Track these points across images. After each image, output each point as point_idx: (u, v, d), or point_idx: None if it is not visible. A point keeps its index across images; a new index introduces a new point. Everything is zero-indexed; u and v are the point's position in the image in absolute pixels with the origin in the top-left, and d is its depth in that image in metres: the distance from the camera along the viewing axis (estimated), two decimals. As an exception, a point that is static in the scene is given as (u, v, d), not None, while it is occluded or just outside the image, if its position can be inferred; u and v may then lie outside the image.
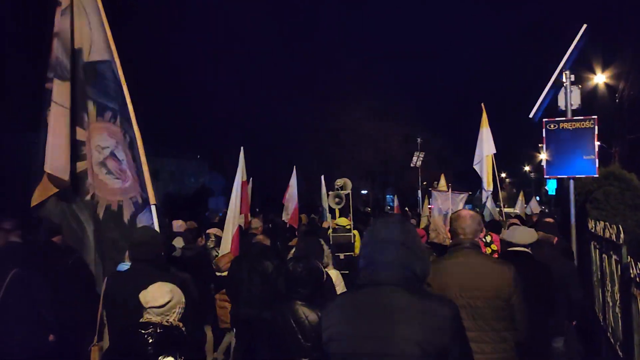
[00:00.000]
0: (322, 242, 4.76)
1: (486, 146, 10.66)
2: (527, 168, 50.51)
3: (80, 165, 4.62)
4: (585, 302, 5.55)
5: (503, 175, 48.68)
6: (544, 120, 6.89)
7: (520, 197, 14.53)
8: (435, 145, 39.00)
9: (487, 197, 11.46)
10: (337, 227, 8.18)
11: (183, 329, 3.03)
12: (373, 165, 39.80)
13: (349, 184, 10.33)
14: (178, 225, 7.43)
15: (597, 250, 5.54)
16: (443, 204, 11.76)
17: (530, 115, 6.95)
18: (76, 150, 4.59)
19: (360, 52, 39.21)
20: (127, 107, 4.39)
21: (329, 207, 10.61)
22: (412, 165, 36.58)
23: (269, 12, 31.81)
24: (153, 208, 4.26)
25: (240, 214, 7.17)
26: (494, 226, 7.81)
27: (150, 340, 2.84)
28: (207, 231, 6.35)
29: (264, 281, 5.32)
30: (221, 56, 27.66)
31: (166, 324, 2.94)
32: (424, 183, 33.92)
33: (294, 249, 5.34)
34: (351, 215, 10.02)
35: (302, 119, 32.76)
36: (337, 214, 9.84)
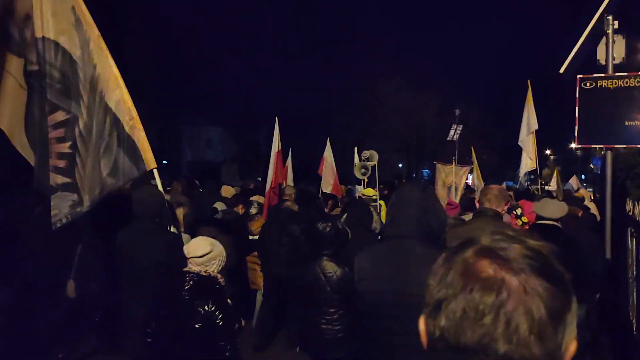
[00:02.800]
0: (372, 210, 5.29)
1: (531, 123, 10.79)
2: (573, 145, 49.47)
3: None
4: (607, 277, 5.46)
5: (547, 152, 47.95)
6: (578, 77, 5.79)
7: (555, 174, 14.53)
8: (474, 118, 38.57)
9: (528, 175, 11.72)
10: (363, 197, 8.59)
11: (221, 280, 3.42)
12: (408, 137, 39.72)
13: (375, 155, 10.83)
14: (225, 190, 8.31)
15: (634, 239, 4.77)
16: (447, 177, 12.11)
17: (561, 71, 5.91)
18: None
19: (397, 21, 38.62)
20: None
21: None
22: (448, 139, 36.44)
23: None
24: (155, 171, 4.48)
25: (276, 182, 7.74)
26: (526, 195, 8.04)
27: (187, 287, 3.23)
28: (250, 198, 6.94)
29: (291, 243, 5.89)
30: (251, 25, 27.77)
31: (204, 274, 3.33)
32: (466, 159, 33.80)
33: (345, 215, 5.94)
34: (378, 186, 10.50)
35: (335, 90, 32.82)
36: (365, 185, 10.38)
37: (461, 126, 36.72)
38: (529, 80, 10.96)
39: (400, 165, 41.26)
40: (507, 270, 0.84)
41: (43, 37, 4.15)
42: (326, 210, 8.31)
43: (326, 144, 11.54)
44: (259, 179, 15.16)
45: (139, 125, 4.31)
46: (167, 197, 5.22)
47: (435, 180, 12.44)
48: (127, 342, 4.09)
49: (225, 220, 6.41)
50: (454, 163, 12.37)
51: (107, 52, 4.29)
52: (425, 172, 41.68)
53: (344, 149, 14.31)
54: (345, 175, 14.21)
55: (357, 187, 11.69)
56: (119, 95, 4.27)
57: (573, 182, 17.24)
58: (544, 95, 11.48)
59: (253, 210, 6.59)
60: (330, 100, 32.85)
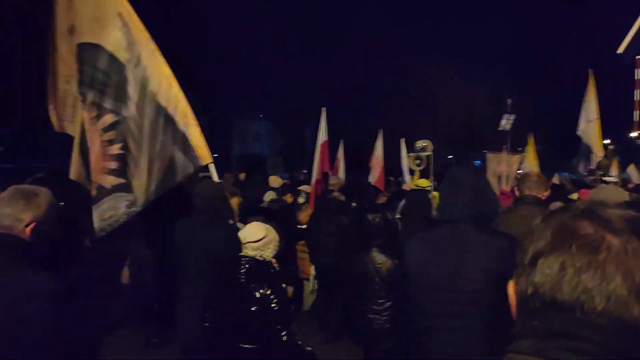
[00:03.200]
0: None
1: (592, 112, 10.51)
2: (633, 134, 47.68)
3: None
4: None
5: (607, 141, 46.23)
6: (637, 57, 5.58)
7: (614, 164, 14.04)
8: (527, 108, 37.57)
9: (579, 165, 11.36)
10: (417, 188, 8.53)
11: (276, 265, 3.53)
12: (457, 128, 39.11)
13: (431, 145, 10.75)
14: (272, 180, 8.49)
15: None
16: (498, 165, 11.87)
17: (619, 51, 5.86)
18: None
19: (446, 9, 37.86)
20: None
21: (409, 168, 11.06)
22: (500, 128, 35.62)
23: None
24: (211, 166, 4.47)
25: (321, 172, 7.86)
26: (584, 185, 7.88)
27: (243, 271, 3.37)
28: (299, 188, 7.10)
29: (339, 233, 5.97)
30: (299, 21, 27.96)
31: (259, 258, 3.45)
32: (518, 149, 32.93)
33: (402, 203, 6.07)
34: (432, 176, 10.38)
35: (384, 82, 32.66)
36: (418, 175, 10.27)
37: (513, 116, 35.78)
38: (590, 70, 10.64)
39: (450, 156, 40.64)
40: (608, 230, 0.85)
41: (86, 43, 4.32)
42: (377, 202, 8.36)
43: (377, 135, 11.52)
44: (305, 171, 15.35)
45: (193, 122, 4.34)
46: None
47: (486, 170, 12.25)
48: (184, 329, 4.26)
49: (273, 209, 6.57)
50: (504, 152, 12.15)
51: (158, 52, 4.37)
52: (477, 162, 40.84)
53: (391, 140, 14.26)
54: (394, 166, 14.15)
55: (407, 177, 11.64)
56: (171, 94, 4.33)
57: (632, 171, 16.59)
58: (601, 82, 11.12)
59: (301, 200, 6.73)
60: (378, 91, 32.75)
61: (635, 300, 0.80)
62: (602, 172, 12.94)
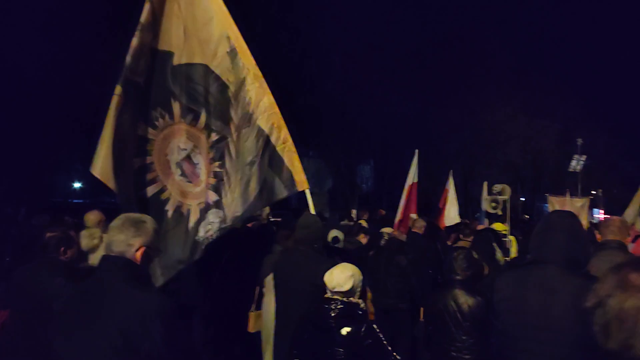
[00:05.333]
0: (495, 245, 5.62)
1: None
2: None
3: (138, 161, 4.66)
4: None
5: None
6: None
7: None
8: (599, 148, 36.56)
9: None
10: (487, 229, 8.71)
11: (362, 306, 3.68)
12: (523, 168, 38.36)
13: (508, 189, 11.06)
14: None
15: None
16: (561, 209, 11.76)
17: None
18: (139, 146, 4.68)
19: (512, 41, 37.67)
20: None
21: (486, 211, 11.31)
22: (570, 170, 34.81)
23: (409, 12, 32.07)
24: (307, 192, 4.84)
25: (410, 213, 8.17)
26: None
27: (333, 315, 3.55)
28: (381, 230, 7.32)
29: (399, 274, 6.20)
30: (364, 57, 28.63)
31: (346, 301, 3.62)
32: (592, 193, 31.98)
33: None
34: (508, 221, 10.59)
35: (445, 117, 32.62)
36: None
37: (584, 156, 34.93)
38: None
39: (522, 198, 39.66)
40: None
41: (195, 64, 4.70)
42: (449, 243, 8.57)
43: (449, 176, 11.77)
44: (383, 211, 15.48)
45: (292, 149, 4.70)
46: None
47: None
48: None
49: (346, 250, 6.79)
50: (568, 195, 12.12)
51: (262, 79, 4.71)
52: (546, 206, 39.78)
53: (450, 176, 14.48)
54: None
55: (486, 220, 11.85)
56: (272, 119, 4.67)
57: None
58: None
59: (383, 243, 6.89)
60: (439, 128, 32.66)
61: None
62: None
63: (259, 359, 5.57)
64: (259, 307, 5.64)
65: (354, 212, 16.35)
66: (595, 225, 12.95)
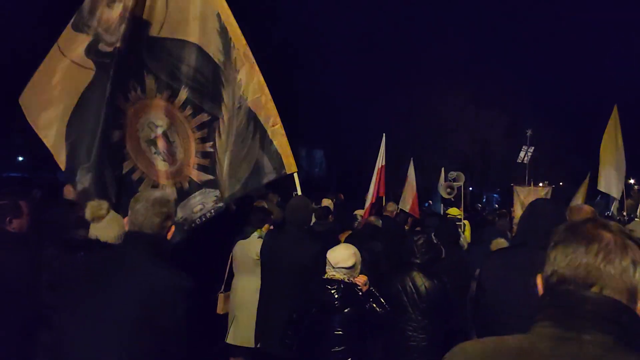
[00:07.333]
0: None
1: (613, 150, 10.86)
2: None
3: (116, 134, 4.65)
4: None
5: (631, 181, 46.76)
6: None
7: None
8: (548, 140, 38.12)
9: (613, 204, 12.23)
10: (448, 215, 9.32)
11: (359, 287, 3.91)
12: (471, 158, 39.67)
13: (462, 176, 11.81)
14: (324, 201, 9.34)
15: None
16: (526, 198, 12.64)
17: None
18: (116, 118, 4.64)
19: (463, 34, 38.60)
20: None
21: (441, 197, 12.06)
22: (519, 161, 36.27)
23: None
24: (295, 175, 4.98)
25: (379, 196, 8.58)
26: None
27: (337, 295, 3.75)
28: (354, 212, 7.67)
29: (371, 259, 6.59)
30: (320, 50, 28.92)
31: (348, 281, 3.86)
32: (540, 185, 33.34)
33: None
34: (463, 206, 11.29)
35: (395, 103, 33.37)
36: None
37: (532, 148, 36.48)
38: (615, 105, 10.93)
39: (470, 188, 41.08)
40: (604, 229, 1.36)
41: (177, 39, 4.70)
42: (406, 228, 9.05)
43: (409, 163, 12.30)
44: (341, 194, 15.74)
45: (282, 131, 4.81)
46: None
47: (513, 203, 13.02)
48: (262, 342, 4.75)
49: (316, 232, 7.08)
50: (532, 184, 12.99)
51: (253, 60, 4.77)
52: (495, 196, 41.39)
53: (398, 163, 14.98)
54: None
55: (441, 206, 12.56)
56: (262, 101, 4.76)
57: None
58: (625, 120, 11.46)
59: (358, 226, 7.25)
60: (389, 115, 33.34)
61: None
62: (625, 213, 13.65)
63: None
64: (227, 288, 5.91)
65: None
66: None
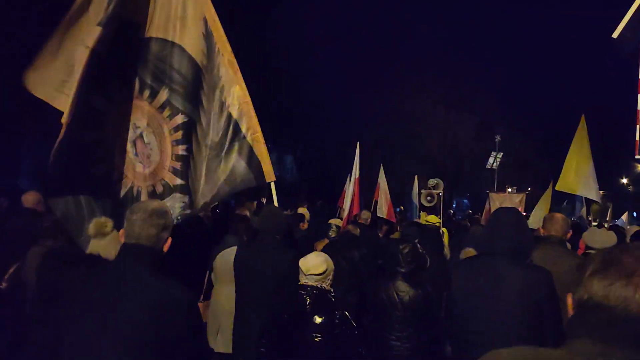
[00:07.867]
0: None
1: (581, 158, 11.12)
2: (624, 180, 50.21)
3: (89, 135, 4.42)
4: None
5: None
6: None
7: (610, 211, 15.34)
8: (516, 146, 38.84)
9: (581, 210, 12.74)
10: (427, 223, 9.45)
11: (333, 293, 3.96)
12: (441, 163, 40.17)
13: (441, 184, 12.08)
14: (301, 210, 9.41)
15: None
16: (502, 204, 12.98)
17: (614, 36, 4.86)
18: (93, 118, 4.43)
19: (434, 39, 39.04)
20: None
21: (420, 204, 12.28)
22: (487, 166, 36.93)
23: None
24: (272, 184, 4.98)
25: (356, 209, 8.66)
26: (576, 227, 8.88)
27: (308, 301, 3.78)
28: (329, 221, 7.66)
29: (350, 267, 6.65)
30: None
31: (319, 287, 3.87)
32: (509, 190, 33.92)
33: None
34: (441, 214, 11.47)
35: (366, 106, 33.59)
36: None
37: (501, 154, 37.18)
38: (583, 115, 10.55)
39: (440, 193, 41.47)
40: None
41: (160, 39, 4.63)
42: (380, 235, 9.16)
43: (380, 169, 12.45)
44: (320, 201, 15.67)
45: (261, 140, 4.79)
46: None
47: (488, 210, 13.32)
48: (238, 351, 4.78)
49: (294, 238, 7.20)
50: (507, 191, 13.35)
51: (237, 67, 4.75)
52: (465, 202, 41.98)
53: (370, 165, 15.06)
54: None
55: (422, 214, 12.76)
56: (243, 109, 4.75)
57: (624, 218, 18.08)
58: (593, 128, 11.59)
59: (332, 234, 7.22)
60: (359, 118, 33.52)
61: None
62: (590, 218, 14.17)
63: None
64: (207, 297, 5.91)
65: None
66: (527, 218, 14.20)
